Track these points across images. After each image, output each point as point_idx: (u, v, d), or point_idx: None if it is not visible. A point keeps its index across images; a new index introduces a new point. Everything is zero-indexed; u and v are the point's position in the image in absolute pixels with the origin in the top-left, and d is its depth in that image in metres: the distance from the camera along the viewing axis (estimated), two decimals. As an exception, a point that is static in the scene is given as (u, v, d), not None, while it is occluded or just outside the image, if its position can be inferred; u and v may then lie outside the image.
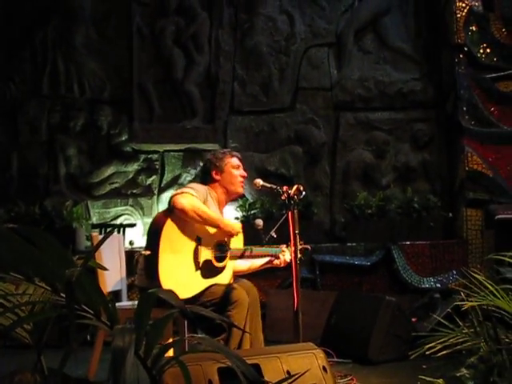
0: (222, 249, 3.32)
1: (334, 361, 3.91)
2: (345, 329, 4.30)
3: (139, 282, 3.28)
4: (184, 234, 3.20)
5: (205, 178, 3.52)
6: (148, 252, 3.12)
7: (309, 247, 3.50)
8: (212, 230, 3.27)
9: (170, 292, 1.20)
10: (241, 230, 3.37)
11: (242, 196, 6.01)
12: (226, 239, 3.34)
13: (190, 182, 6.08)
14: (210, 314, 1.33)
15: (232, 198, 3.57)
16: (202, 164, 5.69)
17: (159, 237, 3.10)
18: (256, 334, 3.31)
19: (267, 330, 4.52)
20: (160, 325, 1.20)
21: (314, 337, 3.52)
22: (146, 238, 3.41)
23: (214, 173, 3.45)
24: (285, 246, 3.47)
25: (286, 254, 3.46)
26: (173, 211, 3.16)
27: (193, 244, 3.22)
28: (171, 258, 3.12)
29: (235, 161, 3.50)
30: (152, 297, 1.18)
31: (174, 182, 6.32)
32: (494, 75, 5.84)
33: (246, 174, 3.53)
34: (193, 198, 3.16)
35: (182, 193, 3.19)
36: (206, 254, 3.25)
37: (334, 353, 4.02)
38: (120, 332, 1.10)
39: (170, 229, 3.15)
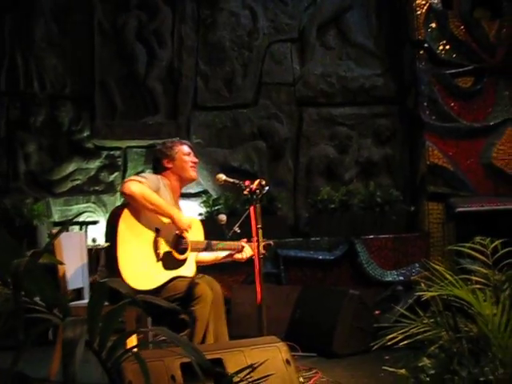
0: (181, 241, 3.29)
1: (298, 355, 3.93)
2: (309, 323, 4.32)
3: (100, 278, 3.23)
4: (142, 224, 3.15)
5: (156, 168, 3.50)
6: (107, 244, 3.08)
7: (271, 243, 3.51)
8: (170, 222, 3.23)
9: (120, 282, 1.18)
10: (190, 226, 3.30)
11: (207, 192, 5.99)
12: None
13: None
14: (161, 303, 1.30)
15: (186, 183, 3.56)
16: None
17: (116, 228, 3.05)
18: (220, 329, 3.29)
19: (232, 325, 4.50)
20: (113, 315, 1.17)
21: (278, 331, 3.52)
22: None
23: (165, 161, 3.44)
24: (245, 240, 3.48)
25: (246, 249, 3.46)
26: (130, 203, 3.12)
27: (152, 235, 3.18)
28: (130, 248, 3.07)
29: (186, 148, 3.50)
30: (104, 287, 1.15)
31: (137, 179, 6.23)
32: (453, 71, 5.93)
33: (197, 160, 3.54)
34: (142, 184, 3.12)
35: (132, 180, 3.15)
36: (166, 245, 3.22)
37: (299, 347, 4.04)
38: (71, 323, 1.07)
39: (126, 220, 3.10)
